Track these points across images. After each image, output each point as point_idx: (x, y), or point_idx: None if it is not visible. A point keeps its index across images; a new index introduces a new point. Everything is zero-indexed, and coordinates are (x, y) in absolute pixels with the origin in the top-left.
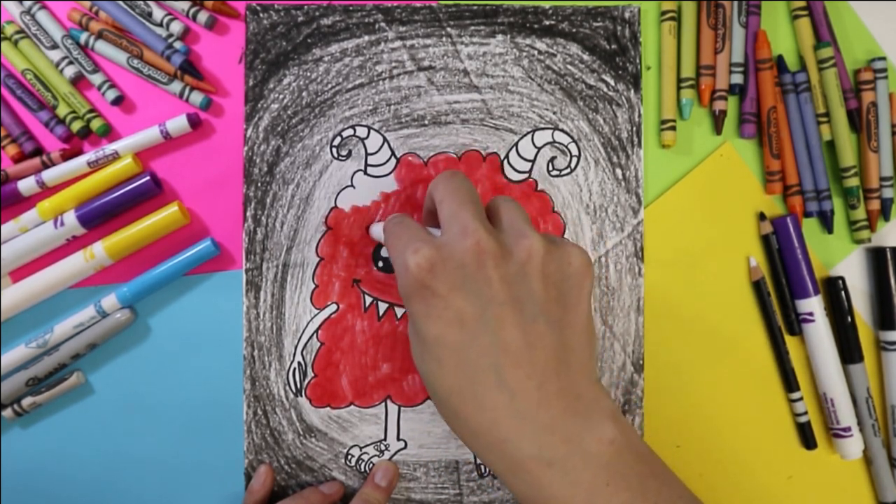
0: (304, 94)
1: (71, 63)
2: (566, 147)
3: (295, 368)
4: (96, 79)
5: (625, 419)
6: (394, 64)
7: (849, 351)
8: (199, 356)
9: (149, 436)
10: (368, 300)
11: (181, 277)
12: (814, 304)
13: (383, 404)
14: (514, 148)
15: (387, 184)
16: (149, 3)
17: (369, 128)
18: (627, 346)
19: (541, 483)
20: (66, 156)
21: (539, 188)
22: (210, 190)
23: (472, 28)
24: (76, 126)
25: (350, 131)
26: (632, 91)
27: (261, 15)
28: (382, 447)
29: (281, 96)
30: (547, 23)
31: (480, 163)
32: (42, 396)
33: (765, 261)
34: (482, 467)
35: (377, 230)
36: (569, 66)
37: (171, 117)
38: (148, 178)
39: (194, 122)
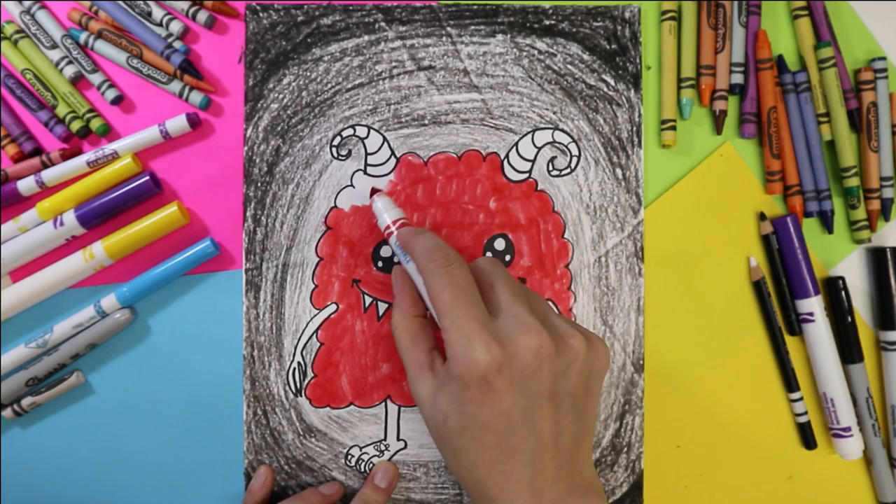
0: (304, 93)
1: (70, 63)
2: (566, 147)
3: (295, 368)
4: (96, 78)
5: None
6: (394, 64)
7: (849, 351)
8: (199, 356)
9: (149, 436)
10: (368, 300)
11: (181, 277)
12: (814, 304)
13: (383, 404)
14: (515, 148)
15: (386, 184)
16: (148, 2)
17: (369, 127)
18: (627, 346)
19: None
20: (66, 156)
21: (539, 188)
22: (210, 190)
23: (473, 28)
24: (76, 126)
25: (350, 131)
26: (632, 91)
27: (260, 14)
28: (382, 447)
29: (281, 96)
30: (547, 22)
31: (480, 162)
32: (42, 396)
33: (765, 261)
34: None
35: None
36: (569, 66)
37: (170, 117)
38: (147, 177)
39: (194, 121)
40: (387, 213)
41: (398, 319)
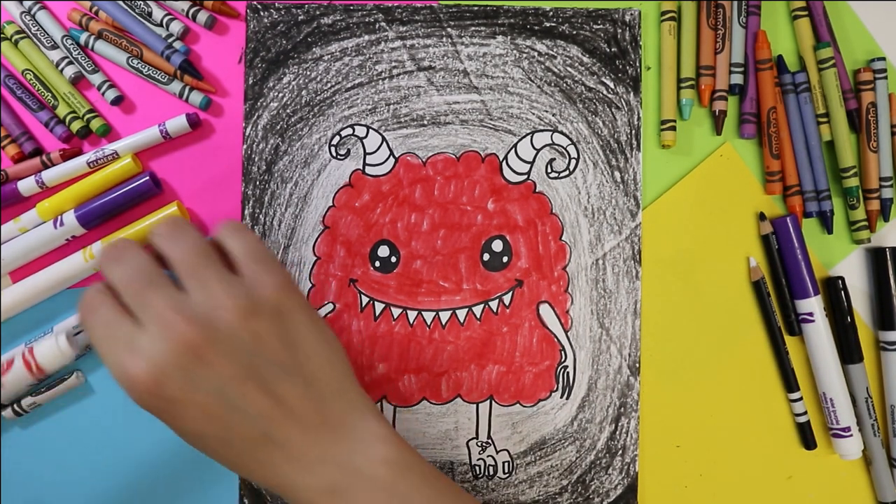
0: (304, 92)
1: (71, 63)
2: (565, 149)
3: None
4: (96, 79)
5: (404, 443)
6: (394, 64)
7: (848, 351)
8: None
9: (148, 436)
10: (365, 300)
11: None
12: (813, 305)
13: (379, 404)
14: (513, 149)
15: (385, 183)
16: (149, 3)
17: (368, 127)
18: (624, 349)
19: None
20: (66, 156)
21: (538, 190)
22: (209, 189)
23: (473, 29)
24: (76, 126)
25: (349, 130)
26: (631, 94)
27: (261, 13)
28: None
29: (280, 95)
30: (547, 24)
31: (479, 164)
32: (42, 396)
33: (765, 261)
34: (477, 468)
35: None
36: (569, 69)
37: (170, 117)
38: (147, 178)
39: (194, 122)
40: None
41: None
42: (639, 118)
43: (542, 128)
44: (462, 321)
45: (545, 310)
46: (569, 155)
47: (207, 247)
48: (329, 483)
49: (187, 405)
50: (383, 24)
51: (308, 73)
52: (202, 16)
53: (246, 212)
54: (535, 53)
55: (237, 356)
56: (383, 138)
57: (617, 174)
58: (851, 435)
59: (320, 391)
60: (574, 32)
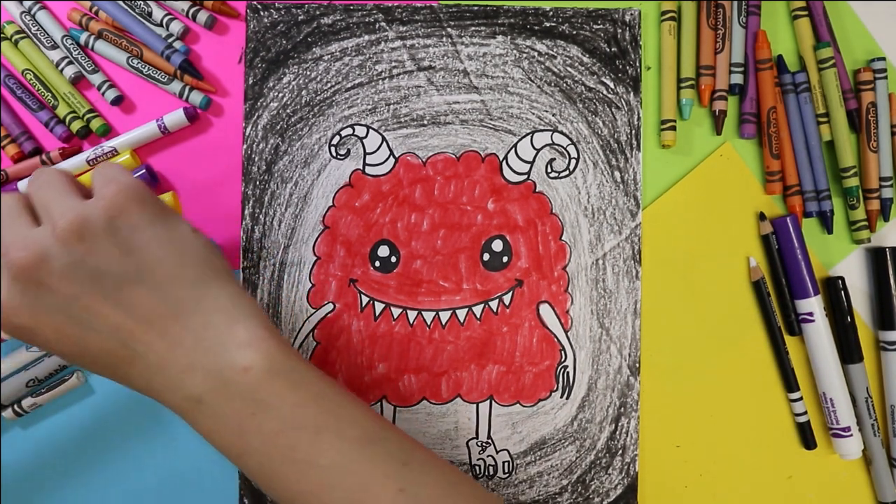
0: (304, 92)
1: (71, 63)
2: (565, 149)
3: None
4: (96, 79)
5: (278, 349)
6: (394, 64)
7: (848, 351)
8: None
9: (148, 436)
10: (365, 300)
11: None
12: (813, 305)
13: (379, 404)
14: (513, 149)
15: (385, 183)
16: (149, 3)
17: (368, 127)
18: (624, 349)
19: (198, 423)
20: (66, 154)
21: (537, 190)
22: (209, 188)
23: (473, 29)
24: (76, 126)
25: (349, 130)
26: (631, 94)
27: (261, 13)
28: None
29: (280, 95)
30: (547, 24)
31: (479, 164)
32: (42, 397)
33: (765, 261)
34: (476, 468)
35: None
36: (569, 69)
37: None
38: (143, 170)
39: (191, 115)
40: None
41: None
42: (639, 118)
43: (542, 128)
44: (462, 321)
45: (545, 310)
46: (569, 155)
47: (60, 182)
48: (196, 392)
49: (41, 329)
50: (383, 24)
51: (308, 73)
52: (202, 16)
53: (246, 212)
54: (535, 53)
55: (74, 273)
56: (383, 138)
57: (617, 174)
58: (851, 435)
59: (175, 297)
60: (574, 32)
